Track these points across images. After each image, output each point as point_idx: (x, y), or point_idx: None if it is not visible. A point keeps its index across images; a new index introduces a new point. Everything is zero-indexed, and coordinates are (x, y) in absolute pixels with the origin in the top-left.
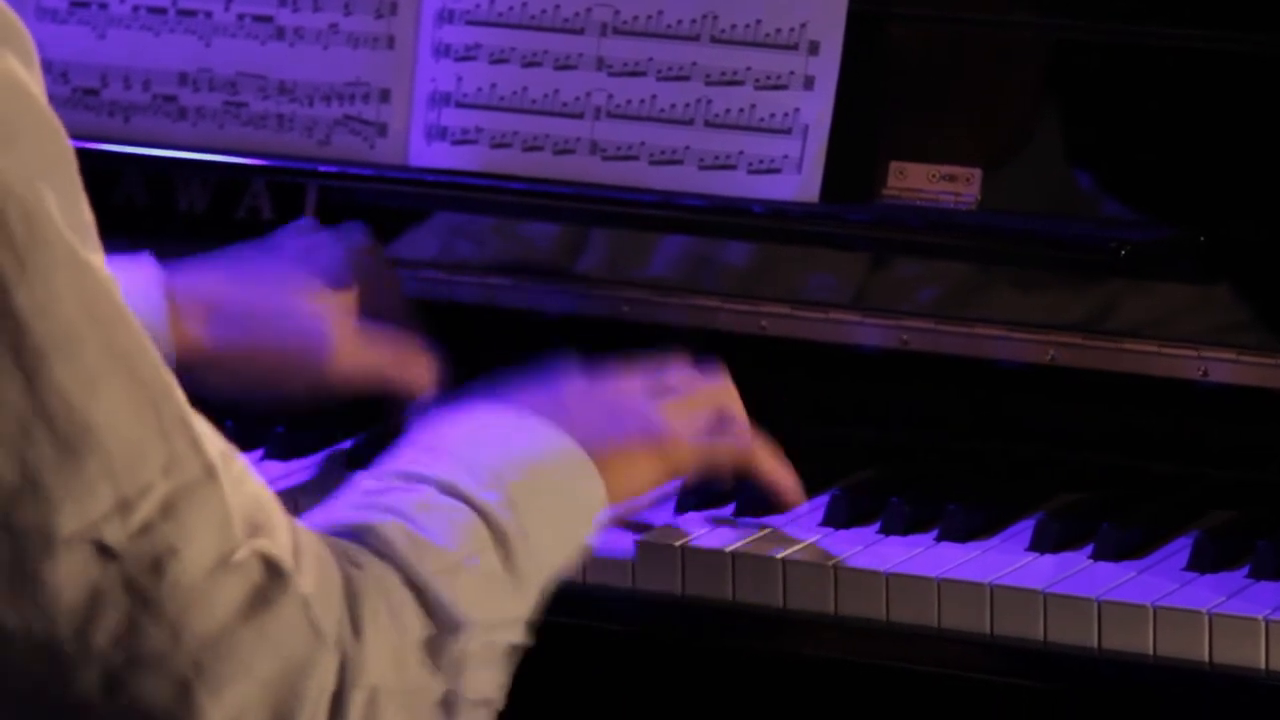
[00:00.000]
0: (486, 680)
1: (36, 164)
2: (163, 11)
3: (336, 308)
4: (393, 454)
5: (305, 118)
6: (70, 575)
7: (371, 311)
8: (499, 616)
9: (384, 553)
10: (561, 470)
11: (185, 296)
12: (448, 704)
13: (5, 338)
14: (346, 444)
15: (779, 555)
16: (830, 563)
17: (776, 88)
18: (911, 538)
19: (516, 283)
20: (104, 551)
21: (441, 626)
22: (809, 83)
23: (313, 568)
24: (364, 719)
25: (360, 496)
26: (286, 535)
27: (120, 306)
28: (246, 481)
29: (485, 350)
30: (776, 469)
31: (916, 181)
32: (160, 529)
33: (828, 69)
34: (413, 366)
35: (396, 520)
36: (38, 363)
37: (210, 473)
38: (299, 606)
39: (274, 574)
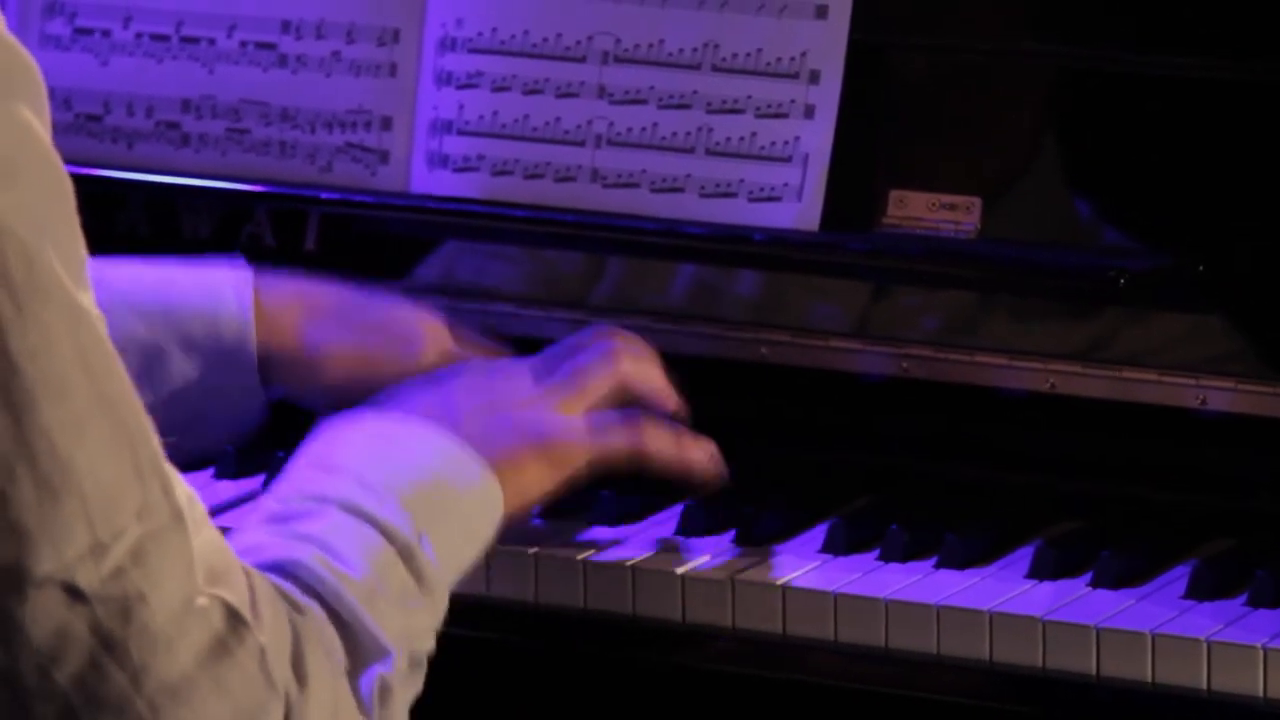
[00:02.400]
0: (406, 700)
1: (38, 206)
2: (166, 38)
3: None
4: (290, 470)
5: (307, 145)
6: (39, 615)
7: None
8: (413, 632)
9: (313, 589)
10: (454, 475)
11: (277, 295)
12: None
13: None
14: None
15: (778, 581)
16: (829, 589)
17: (777, 116)
18: (910, 565)
19: (517, 310)
20: (75, 594)
21: (366, 658)
22: (809, 111)
23: (268, 616)
24: None
25: (272, 525)
26: (244, 583)
27: (109, 352)
28: (207, 527)
29: None
30: (675, 449)
31: (916, 210)
32: (130, 574)
33: (828, 98)
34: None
35: (316, 551)
36: (27, 404)
37: (178, 518)
38: (256, 657)
39: (234, 623)
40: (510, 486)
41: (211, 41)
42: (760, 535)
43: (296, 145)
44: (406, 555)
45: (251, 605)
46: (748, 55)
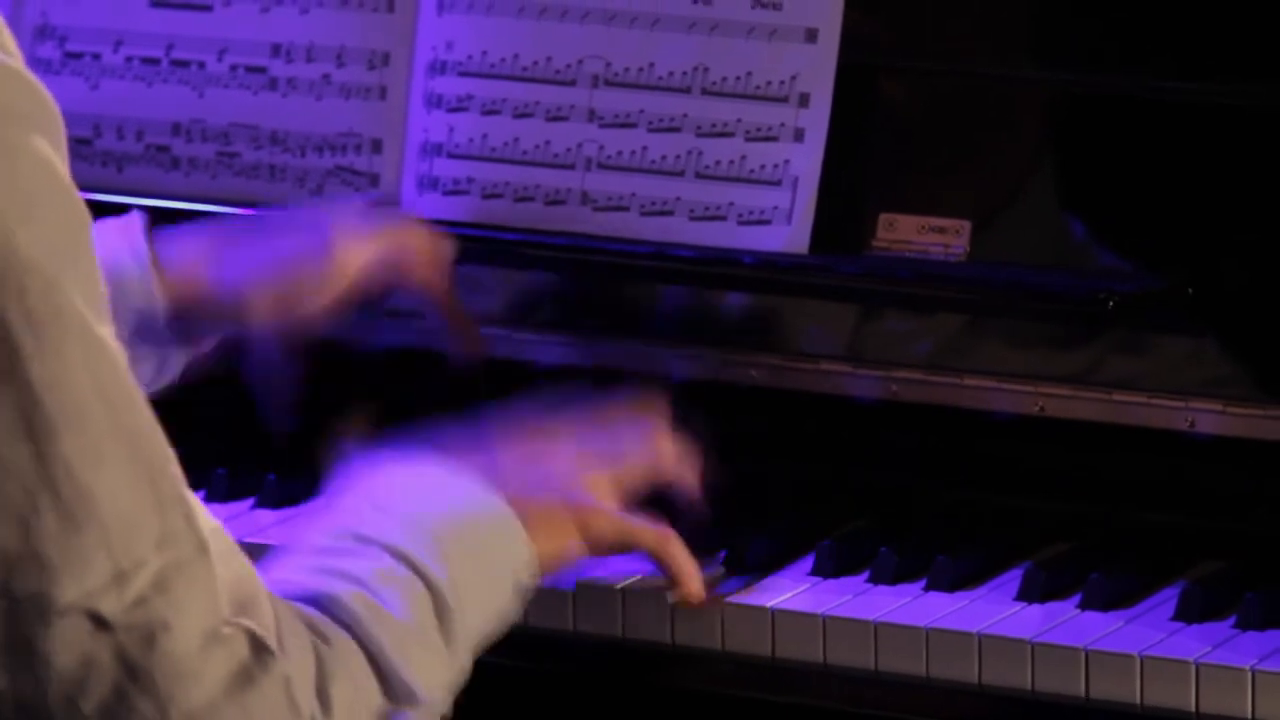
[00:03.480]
0: None
1: (58, 240)
2: (156, 62)
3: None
4: (339, 503)
5: (297, 168)
6: (64, 644)
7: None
8: (441, 687)
9: (348, 624)
10: (496, 537)
11: (177, 248)
12: None
13: (18, 408)
14: None
15: (768, 604)
16: (819, 612)
17: (767, 139)
18: (900, 587)
19: (508, 333)
20: (99, 622)
21: (399, 700)
22: (799, 135)
23: (293, 645)
24: None
25: (317, 558)
26: (270, 612)
27: (127, 384)
28: (234, 558)
29: (477, 401)
30: (685, 568)
31: (906, 233)
32: (153, 602)
33: (818, 121)
34: (416, 243)
35: (358, 590)
36: (47, 434)
37: (202, 548)
38: (281, 685)
39: (259, 651)
40: (544, 552)
41: (202, 65)
42: (751, 558)
43: (287, 168)
44: (443, 614)
45: (277, 634)
46: (737, 79)
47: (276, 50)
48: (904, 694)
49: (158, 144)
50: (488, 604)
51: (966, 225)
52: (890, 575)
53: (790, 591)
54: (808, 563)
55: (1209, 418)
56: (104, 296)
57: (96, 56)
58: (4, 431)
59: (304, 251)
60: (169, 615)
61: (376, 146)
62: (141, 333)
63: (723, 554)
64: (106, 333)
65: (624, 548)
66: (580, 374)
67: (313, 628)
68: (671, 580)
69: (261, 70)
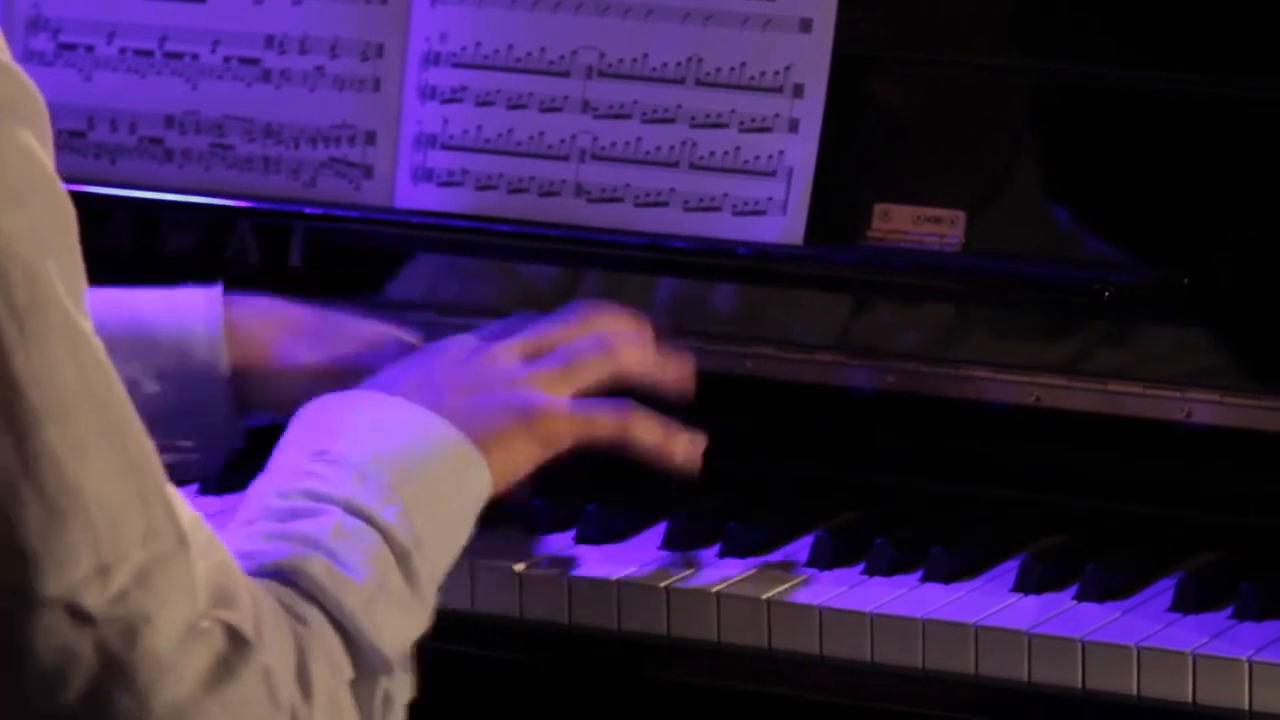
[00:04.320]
0: (402, 705)
1: (42, 230)
2: (149, 54)
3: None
4: (287, 455)
5: (291, 160)
6: (45, 636)
7: None
8: (408, 637)
9: (313, 595)
10: (449, 467)
11: (247, 313)
12: None
13: (1, 399)
14: None
15: (764, 596)
16: (815, 603)
17: (761, 130)
18: (896, 579)
19: None
20: (80, 616)
21: (369, 669)
22: (794, 125)
23: (273, 636)
24: None
25: (274, 523)
26: (248, 604)
27: (110, 376)
28: (212, 550)
29: None
30: (660, 438)
31: (901, 223)
32: (135, 596)
33: (812, 112)
34: None
35: (317, 555)
36: (31, 426)
37: (183, 542)
38: (261, 677)
39: (238, 644)
40: (497, 465)
41: (195, 57)
42: (746, 549)
43: (280, 160)
44: (403, 558)
45: (255, 625)
46: (732, 69)
47: (270, 42)
48: (900, 685)
49: (151, 136)
50: (448, 536)
51: (961, 216)
52: (886, 567)
53: (786, 583)
54: (804, 554)
55: (1205, 408)
56: (85, 290)
57: (90, 48)
58: None
59: (365, 361)
60: (150, 609)
61: (370, 138)
62: (198, 390)
63: (717, 546)
64: (88, 326)
65: (588, 441)
66: None
67: (288, 608)
68: (653, 458)
69: (255, 62)
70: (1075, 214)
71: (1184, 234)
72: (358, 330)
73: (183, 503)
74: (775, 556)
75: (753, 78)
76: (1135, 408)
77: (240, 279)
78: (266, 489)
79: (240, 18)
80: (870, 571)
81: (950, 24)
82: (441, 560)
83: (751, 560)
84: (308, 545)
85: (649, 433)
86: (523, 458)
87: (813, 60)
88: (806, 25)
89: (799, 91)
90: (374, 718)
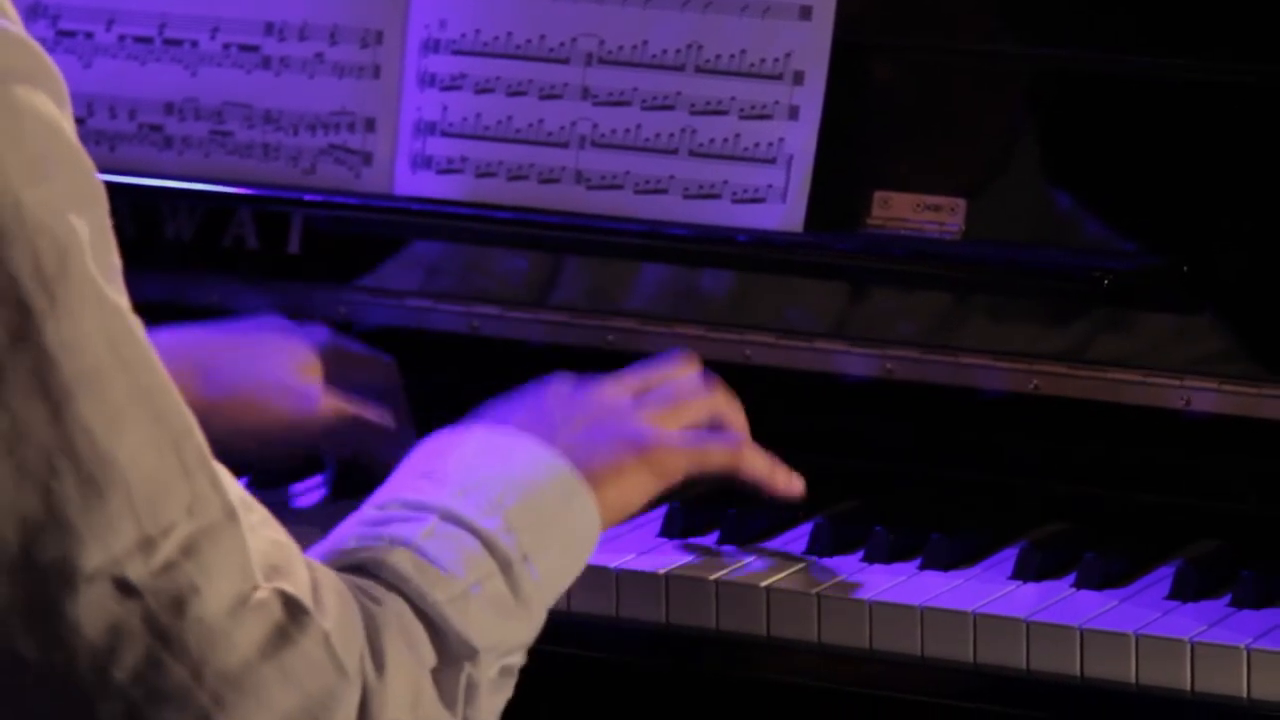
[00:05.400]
0: (494, 707)
1: (69, 200)
2: (149, 41)
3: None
4: (394, 478)
5: (291, 147)
6: (91, 611)
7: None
8: (507, 642)
9: (395, 585)
10: (557, 493)
11: (171, 351)
12: None
13: (34, 371)
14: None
15: (763, 584)
16: (814, 590)
17: (761, 117)
18: (895, 566)
19: (501, 312)
20: (126, 588)
21: (454, 656)
22: (793, 112)
23: (333, 604)
24: None
25: (363, 527)
26: (305, 575)
27: (145, 347)
28: (266, 526)
29: (469, 380)
30: (768, 470)
31: (901, 211)
32: (182, 567)
33: (812, 99)
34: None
35: (403, 550)
36: (64, 398)
37: (231, 514)
38: (320, 642)
39: (295, 612)
40: (612, 496)
41: (194, 43)
42: (745, 536)
43: (280, 147)
44: (505, 567)
45: (314, 593)
46: (731, 56)
47: (269, 28)
48: (899, 672)
49: (150, 123)
50: (558, 560)
51: (961, 203)
52: (885, 554)
53: (785, 570)
54: (803, 541)
55: (1204, 396)
56: (117, 266)
57: (89, 35)
58: (20, 395)
59: (283, 394)
60: (198, 580)
61: (370, 125)
62: None
63: (716, 534)
64: (121, 299)
65: (700, 475)
66: (574, 353)
67: (359, 590)
68: (759, 488)
69: (254, 49)
70: (1075, 201)
71: (1183, 221)
72: (275, 361)
73: (232, 480)
74: (773, 544)
75: (752, 65)
76: (1134, 395)
77: (239, 266)
78: (368, 504)
79: (240, 4)
80: (869, 559)
81: (950, 11)
82: (551, 581)
83: (748, 548)
84: (395, 543)
85: (757, 465)
86: (638, 491)
87: (813, 47)
88: (806, 12)
89: (799, 79)
90: (456, 704)
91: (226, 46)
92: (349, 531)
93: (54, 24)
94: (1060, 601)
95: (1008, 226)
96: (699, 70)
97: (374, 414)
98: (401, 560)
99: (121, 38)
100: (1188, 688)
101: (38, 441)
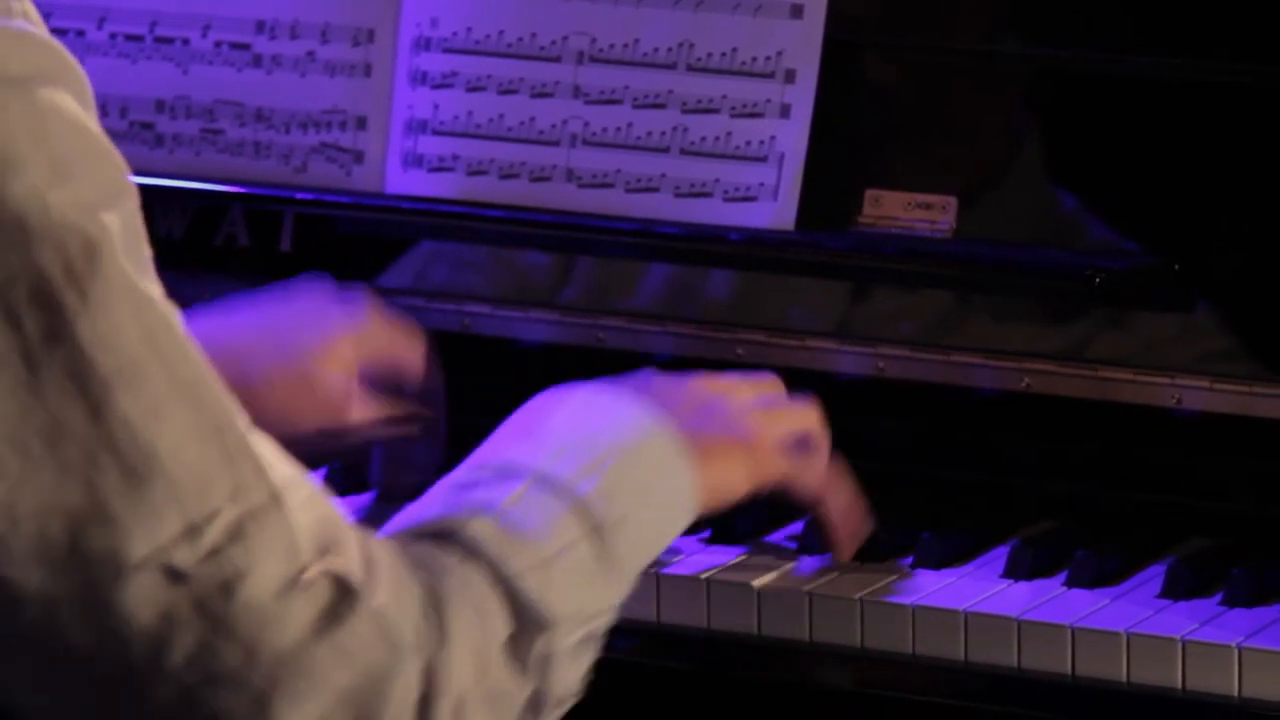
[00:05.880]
0: (572, 675)
1: (97, 197)
2: (140, 39)
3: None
4: (492, 438)
5: (282, 145)
6: (142, 599)
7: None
8: (591, 608)
9: (471, 551)
10: (658, 458)
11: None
12: (534, 704)
13: (70, 368)
14: None
15: (752, 582)
16: (805, 589)
17: (752, 116)
18: (886, 564)
19: (492, 310)
20: (174, 575)
21: (530, 625)
22: (785, 111)
23: (387, 580)
24: None
25: (450, 492)
26: (357, 552)
27: (181, 337)
28: (316, 503)
29: (460, 379)
30: (843, 514)
31: (892, 209)
32: (228, 552)
33: (803, 97)
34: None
35: (485, 517)
36: (103, 393)
37: (276, 497)
38: (372, 620)
39: (344, 591)
40: (712, 480)
41: (186, 41)
42: (735, 535)
43: (271, 145)
44: (597, 531)
45: (365, 569)
46: (723, 55)
47: (261, 26)
48: (890, 671)
49: (142, 121)
50: (652, 524)
51: (953, 201)
52: (876, 553)
53: (775, 570)
54: (793, 541)
55: (1195, 394)
56: (149, 259)
57: (80, 33)
58: (58, 393)
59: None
60: (245, 564)
61: (361, 123)
62: None
63: (707, 532)
64: (154, 289)
65: (788, 487)
66: (566, 351)
67: (424, 562)
68: (827, 540)
69: (246, 47)
70: (1066, 200)
71: (1175, 220)
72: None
73: (278, 458)
74: (765, 542)
75: (744, 63)
76: (1126, 394)
77: (230, 265)
78: (461, 466)
79: (231, 2)
80: (860, 557)
81: (943, 10)
82: (643, 546)
83: (739, 548)
84: (476, 510)
85: (838, 506)
86: (736, 481)
87: (804, 45)
88: (798, 11)
89: (790, 77)
90: (528, 674)
91: (218, 44)
92: (436, 496)
93: (45, 22)
94: (1051, 600)
95: (999, 225)
96: (690, 69)
97: (401, 410)
98: (481, 528)
99: (113, 36)
100: (1179, 686)
101: (78, 438)
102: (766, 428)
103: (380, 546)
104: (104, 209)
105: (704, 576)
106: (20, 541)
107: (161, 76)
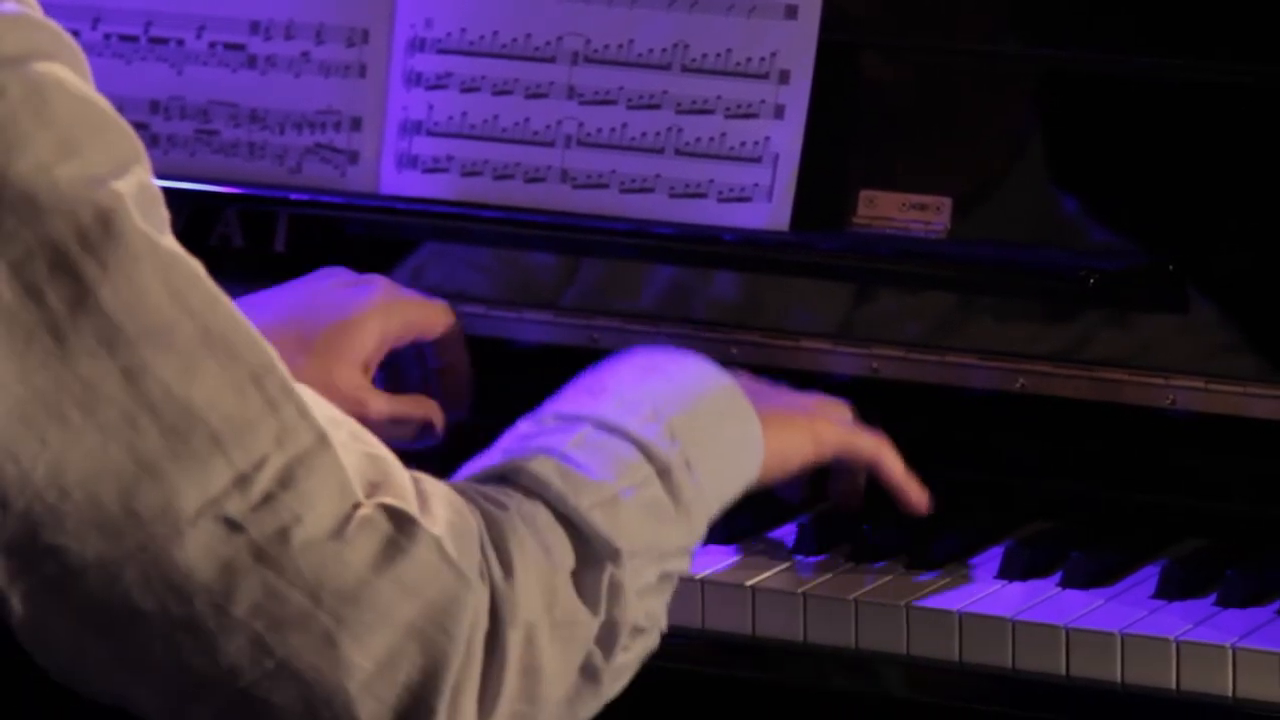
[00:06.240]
0: (647, 609)
1: (105, 165)
2: (134, 39)
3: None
4: (556, 397)
5: (277, 146)
6: (200, 553)
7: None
8: (663, 546)
9: (533, 490)
10: (722, 406)
11: None
12: (605, 635)
13: (98, 335)
14: None
15: (747, 583)
16: (800, 590)
17: (747, 116)
18: (880, 565)
19: (487, 311)
20: (230, 525)
21: (595, 557)
22: (779, 111)
23: (442, 511)
24: (523, 657)
25: (515, 440)
26: (408, 485)
27: (209, 289)
28: (361, 441)
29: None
30: (903, 476)
31: (886, 210)
32: (281, 498)
33: (798, 98)
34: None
35: (549, 459)
36: (133, 355)
37: (323, 439)
38: (432, 548)
39: (401, 522)
40: (774, 443)
41: (180, 42)
42: (729, 536)
43: (266, 146)
44: (664, 473)
45: (420, 502)
46: (717, 55)
47: (255, 27)
48: (884, 672)
49: (136, 121)
50: (721, 474)
51: (947, 202)
52: (872, 554)
53: (771, 570)
54: (789, 541)
55: (1190, 394)
56: (165, 214)
57: (75, 34)
58: (89, 360)
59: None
60: (299, 509)
61: (356, 124)
62: None
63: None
64: (175, 246)
65: (847, 455)
66: (559, 353)
67: (483, 496)
68: (891, 488)
69: (240, 47)
70: (1061, 201)
71: (1170, 221)
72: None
73: (318, 400)
74: (759, 544)
75: (738, 64)
76: (1120, 394)
77: (225, 265)
78: (523, 420)
79: (225, 3)
80: (855, 558)
81: (937, 10)
82: (714, 489)
83: (734, 546)
84: (541, 452)
85: (896, 468)
86: (796, 447)
87: (798, 46)
88: (792, 11)
89: (784, 78)
90: (598, 604)
91: (212, 45)
92: (501, 445)
93: None
94: (1046, 600)
95: (993, 225)
96: (685, 69)
97: (420, 408)
98: (543, 466)
99: (107, 36)
100: (1173, 686)
101: (115, 402)
102: (825, 405)
103: (433, 482)
104: (114, 178)
105: (700, 577)
106: (72, 510)
107: (156, 77)
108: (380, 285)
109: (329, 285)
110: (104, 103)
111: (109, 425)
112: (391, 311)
